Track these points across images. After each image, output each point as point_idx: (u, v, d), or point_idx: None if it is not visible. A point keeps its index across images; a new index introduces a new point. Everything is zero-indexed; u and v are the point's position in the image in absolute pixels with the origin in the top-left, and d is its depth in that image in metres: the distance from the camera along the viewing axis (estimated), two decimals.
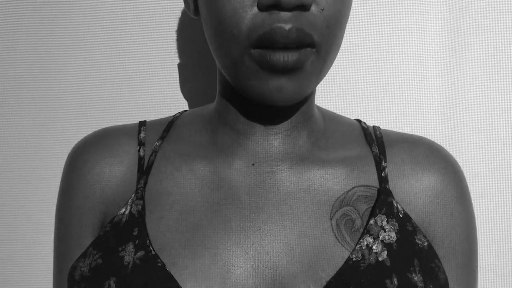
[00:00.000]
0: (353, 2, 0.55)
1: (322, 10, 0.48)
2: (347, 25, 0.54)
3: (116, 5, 0.78)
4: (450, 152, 0.61)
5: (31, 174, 0.78)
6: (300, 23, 0.47)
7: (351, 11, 0.54)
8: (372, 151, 0.58)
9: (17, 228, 0.78)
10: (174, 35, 0.78)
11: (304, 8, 0.47)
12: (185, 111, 0.64)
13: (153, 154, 0.58)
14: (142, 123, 0.61)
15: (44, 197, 0.77)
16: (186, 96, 0.79)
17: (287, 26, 0.47)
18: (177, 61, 0.79)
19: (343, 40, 0.54)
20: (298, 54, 0.48)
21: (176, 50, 0.79)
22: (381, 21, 0.78)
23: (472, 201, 0.60)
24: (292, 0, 0.46)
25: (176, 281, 0.49)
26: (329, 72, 0.55)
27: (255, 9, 0.48)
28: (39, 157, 0.78)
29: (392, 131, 0.62)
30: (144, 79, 0.78)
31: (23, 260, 0.78)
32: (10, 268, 0.78)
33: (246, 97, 0.53)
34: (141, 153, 0.58)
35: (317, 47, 0.49)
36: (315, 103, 0.61)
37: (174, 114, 0.64)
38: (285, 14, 0.47)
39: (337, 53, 0.53)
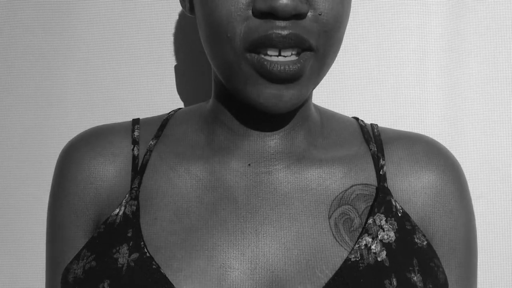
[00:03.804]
0: (353, 2, 0.54)
1: (320, 14, 0.47)
2: (348, 25, 0.53)
3: (113, 5, 0.77)
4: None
5: (25, 173, 0.77)
6: (296, 30, 0.46)
7: (351, 11, 0.53)
8: (370, 149, 0.57)
9: (9, 228, 0.77)
10: (170, 35, 0.78)
11: (300, 16, 0.46)
12: (180, 109, 0.63)
13: (148, 153, 0.57)
14: (136, 121, 0.60)
15: (38, 197, 0.76)
16: (182, 96, 0.78)
17: (284, 32, 0.46)
18: (173, 61, 0.78)
19: (344, 40, 0.52)
20: (298, 63, 0.47)
21: (172, 50, 0.78)
22: (381, 21, 0.77)
23: (472, 201, 0.59)
24: (288, 10, 0.45)
25: (171, 284, 0.48)
26: (329, 72, 0.54)
27: (250, 13, 0.46)
28: (34, 156, 0.77)
29: (390, 129, 0.61)
30: (140, 79, 0.77)
31: (16, 261, 0.77)
32: (1, 269, 0.77)
33: (241, 101, 0.52)
34: (135, 152, 0.57)
35: (315, 50, 0.48)
36: (314, 102, 0.60)
37: (169, 112, 0.63)
38: (280, 22, 0.46)
39: (335, 56, 0.52)
